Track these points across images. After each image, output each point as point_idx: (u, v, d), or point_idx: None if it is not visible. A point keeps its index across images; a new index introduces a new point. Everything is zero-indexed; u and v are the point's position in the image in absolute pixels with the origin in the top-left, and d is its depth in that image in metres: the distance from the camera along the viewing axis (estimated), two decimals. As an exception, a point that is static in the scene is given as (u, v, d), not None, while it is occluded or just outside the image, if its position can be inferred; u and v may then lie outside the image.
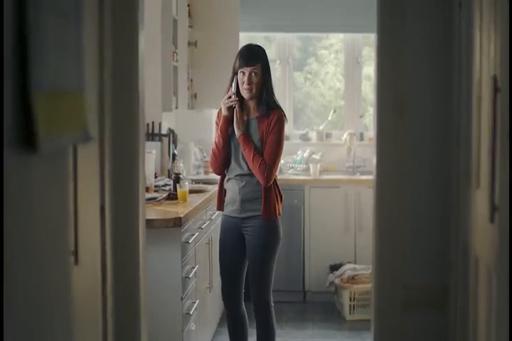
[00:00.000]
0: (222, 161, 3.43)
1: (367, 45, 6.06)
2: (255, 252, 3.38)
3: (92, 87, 1.79)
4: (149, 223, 3.11)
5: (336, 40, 6.17)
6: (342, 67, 6.06)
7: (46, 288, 1.35)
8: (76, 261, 1.73)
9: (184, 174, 4.52)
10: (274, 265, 3.42)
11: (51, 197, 1.42)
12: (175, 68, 4.66)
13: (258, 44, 3.50)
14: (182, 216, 3.21)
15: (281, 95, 5.62)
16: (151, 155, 4.11)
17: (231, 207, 3.44)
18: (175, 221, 3.17)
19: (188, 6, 5.16)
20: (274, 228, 3.38)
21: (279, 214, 3.41)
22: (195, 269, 3.53)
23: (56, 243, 1.50)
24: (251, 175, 3.36)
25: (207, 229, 3.95)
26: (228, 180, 3.45)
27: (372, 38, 6.04)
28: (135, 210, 2.09)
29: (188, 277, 3.34)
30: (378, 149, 2.16)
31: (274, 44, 5.95)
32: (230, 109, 3.38)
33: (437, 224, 2.12)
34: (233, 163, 3.42)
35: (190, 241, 3.37)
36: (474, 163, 1.78)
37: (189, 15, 5.19)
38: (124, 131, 2.07)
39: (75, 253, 1.73)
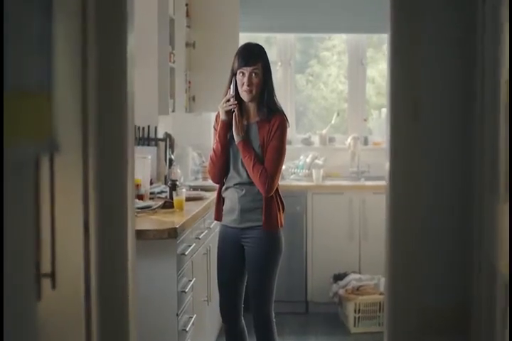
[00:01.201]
0: (221, 169, 3.22)
1: (370, 46, 5.87)
2: (255, 264, 3.18)
3: (67, 89, 1.59)
4: (142, 234, 2.93)
5: (339, 41, 5.99)
6: (345, 69, 5.88)
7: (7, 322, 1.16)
8: (53, 285, 1.52)
9: (181, 180, 4.34)
10: (275, 278, 3.21)
11: (14, 215, 1.22)
12: (172, 70, 4.48)
13: (258, 43, 3.29)
14: (177, 226, 3.01)
15: (283, 98, 5.43)
16: (146, 161, 3.93)
17: (230, 217, 3.24)
18: (170, 232, 2.97)
19: (186, 5, 4.98)
20: (276, 239, 3.18)
21: (281, 225, 3.20)
22: (192, 282, 3.33)
23: (24, 267, 1.31)
24: (251, 183, 3.16)
25: (204, 239, 3.75)
26: (227, 188, 3.25)
27: (375, 38, 5.87)
28: (123, 224, 1.89)
29: (184, 291, 3.15)
30: (391, 157, 1.96)
31: (275, 45, 5.77)
32: (229, 113, 3.18)
33: (458, 240, 1.92)
34: (232, 171, 3.22)
35: (186, 253, 3.18)
36: (502, 174, 1.59)
37: (187, 15, 5.02)
38: (111, 136, 1.88)
39: (52, 275, 1.52)
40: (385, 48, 5.94)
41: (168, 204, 3.59)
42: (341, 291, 4.72)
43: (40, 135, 1.08)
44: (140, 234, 2.92)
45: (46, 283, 1.50)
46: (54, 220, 1.53)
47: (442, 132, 1.96)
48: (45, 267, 1.50)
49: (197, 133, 5.26)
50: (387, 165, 2.09)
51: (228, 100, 3.15)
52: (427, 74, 2.00)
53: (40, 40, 1.09)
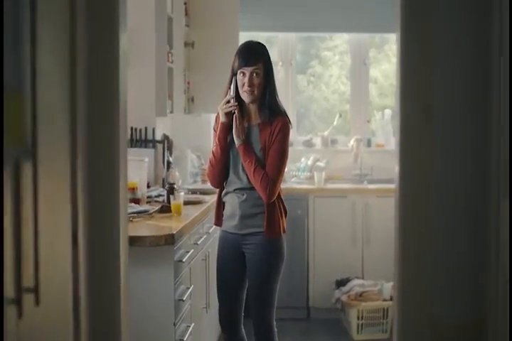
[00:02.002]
0: (220, 173, 3.10)
1: (372, 46, 5.76)
2: (256, 272, 3.06)
3: (53, 90, 1.47)
4: (138, 240, 2.81)
5: (341, 41, 5.88)
6: (347, 69, 5.76)
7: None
8: (36, 301, 1.40)
9: (180, 183, 4.22)
10: (277, 286, 3.09)
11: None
12: (170, 70, 4.36)
13: (259, 41, 3.17)
14: (175, 232, 2.89)
15: (284, 99, 5.28)
16: (143, 164, 3.81)
17: (230, 223, 3.11)
18: (166, 238, 2.85)
19: (185, 4, 4.87)
20: (278, 246, 3.06)
21: (284, 232, 3.08)
22: (190, 290, 3.20)
23: (2, 281, 1.19)
24: (252, 188, 3.03)
25: (203, 245, 3.63)
26: (227, 193, 3.13)
27: (377, 38, 5.76)
28: (115, 233, 1.77)
29: (181, 300, 3.02)
30: (401, 161, 1.84)
31: (276, 45, 5.66)
32: (229, 114, 3.05)
33: (473, 250, 1.80)
34: (232, 176, 3.09)
35: (184, 260, 3.05)
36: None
37: (186, 14, 4.90)
38: (101, 139, 1.76)
39: (35, 290, 1.40)
40: (388, 48, 5.84)
41: (166, 209, 3.47)
42: (344, 297, 4.60)
43: (15, 138, 0.96)
44: (135, 240, 2.81)
45: (28, 298, 1.38)
46: (37, 229, 1.41)
47: (456, 135, 1.84)
48: (28, 281, 1.38)
49: (196, 134, 5.15)
50: (396, 168, 1.96)
51: (228, 101, 3.03)
52: (439, 74, 1.87)
53: (18, 39, 0.98)
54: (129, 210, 3.32)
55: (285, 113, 3.10)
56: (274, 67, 3.11)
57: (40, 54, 1.38)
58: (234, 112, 3.02)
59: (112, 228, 1.78)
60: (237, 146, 3.03)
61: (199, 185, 4.56)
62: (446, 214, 1.87)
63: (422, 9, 1.93)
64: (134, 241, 2.80)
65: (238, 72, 3.01)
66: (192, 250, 3.26)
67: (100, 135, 1.77)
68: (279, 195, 3.07)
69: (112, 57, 1.83)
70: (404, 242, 1.91)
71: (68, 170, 1.66)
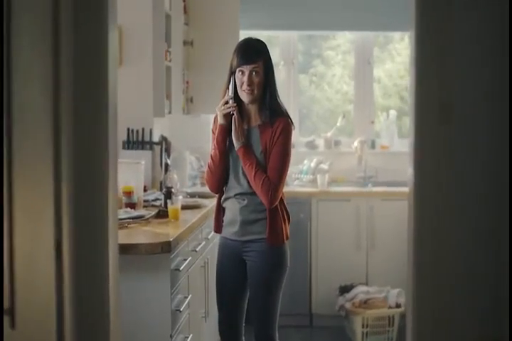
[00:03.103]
0: (220, 178, 2.94)
1: (375, 45, 5.62)
2: (258, 280, 2.90)
3: (33, 91, 1.33)
4: (133, 248, 2.66)
5: (343, 40, 5.73)
6: (350, 69, 5.62)
7: None
8: (12, 324, 1.25)
9: (178, 186, 4.06)
10: (279, 295, 2.93)
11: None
12: (168, 69, 4.22)
13: (258, 38, 3.01)
14: (171, 239, 2.74)
15: (285, 99, 5.15)
16: (139, 166, 3.66)
17: (230, 229, 2.95)
18: (163, 246, 2.69)
19: (184, 1, 4.72)
20: (281, 254, 2.90)
21: (287, 238, 2.92)
22: (187, 299, 3.05)
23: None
24: (253, 193, 2.87)
25: (202, 251, 3.48)
26: (227, 199, 2.97)
27: (381, 37, 5.62)
28: (103, 245, 1.62)
29: (178, 310, 2.87)
30: (417, 164, 1.69)
31: (278, 44, 5.51)
32: (228, 116, 2.89)
33: (494, 260, 1.64)
34: (232, 180, 2.93)
35: (181, 269, 2.90)
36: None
37: (185, 12, 4.76)
38: (89, 142, 1.60)
39: (11, 312, 1.25)
40: (392, 47, 5.69)
41: (163, 214, 3.32)
42: (348, 305, 4.45)
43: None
44: (130, 248, 2.66)
45: (3, 321, 1.23)
46: (13, 242, 1.26)
47: (477, 136, 1.68)
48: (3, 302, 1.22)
49: (195, 136, 5.02)
50: (410, 171, 1.81)
51: (227, 102, 2.87)
52: (458, 70, 1.72)
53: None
54: (124, 215, 3.18)
55: (287, 113, 2.94)
56: (275, 67, 2.95)
57: (16, 48, 1.23)
58: (233, 113, 2.86)
59: (100, 238, 1.63)
60: (236, 149, 2.87)
61: (198, 188, 4.41)
62: (466, 219, 1.72)
63: (439, 2, 1.78)
64: (128, 248, 2.66)
65: (237, 70, 2.86)
66: (190, 257, 3.11)
67: (87, 137, 1.61)
68: (281, 200, 2.91)
69: (100, 51, 1.68)
70: (419, 255, 1.75)
71: (51, 176, 1.51)
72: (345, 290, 4.61)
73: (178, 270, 2.87)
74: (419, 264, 1.75)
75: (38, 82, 1.44)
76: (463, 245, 1.75)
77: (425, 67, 1.75)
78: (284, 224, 2.90)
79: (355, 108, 5.52)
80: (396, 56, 5.71)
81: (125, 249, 2.64)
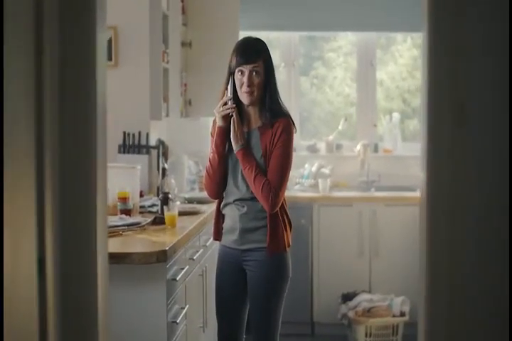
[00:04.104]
0: (218, 183, 2.81)
1: (377, 47, 5.50)
2: (258, 292, 2.77)
3: (13, 92, 1.21)
4: (127, 258, 2.55)
5: (345, 41, 5.62)
6: (352, 71, 5.51)
7: None
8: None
9: (176, 191, 3.94)
10: (281, 307, 2.80)
11: None
12: (165, 70, 4.11)
13: (258, 37, 2.89)
14: (167, 248, 2.61)
15: (286, 102, 5.01)
16: (135, 171, 3.54)
17: (230, 237, 2.83)
18: (158, 255, 2.57)
19: (182, 1, 4.60)
20: (282, 263, 2.77)
21: (288, 246, 2.80)
22: (184, 310, 2.93)
23: None
24: (253, 199, 2.74)
25: (200, 259, 3.35)
26: (226, 205, 2.84)
27: (383, 39, 5.51)
28: (92, 260, 1.49)
29: (175, 322, 2.75)
30: (429, 168, 1.57)
31: (278, 46, 5.40)
32: (226, 118, 2.77)
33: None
34: (231, 185, 2.80)
35: (178, 278, 2.78)
36: None
37: (183, 13, 4.65)
38: (75, 147, 1.48)
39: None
40: (394, 49, 5.58)
41: (159, 220, 3.20)
42: (351, 313, 4.32)
43: None
44: (124, 257, 2.55)
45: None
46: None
47: (492, 139, 1.57)
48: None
49: (193, 139, 4.91)
50: (423, 176, 1.69)
51: (225, 103, 2.75)
52: (474, 72, 1.60)
53: None
54: (120, 222, 3.06)
55: (288, 114, 2.81)
56: (275, 69, 2.83)
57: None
58: (232, 115, 2.74)
59: (88, 254, 1.50)
60: (235, 152, 2.75)
61: (196, 193, 4.29)
62: (483, 230, 1.59)
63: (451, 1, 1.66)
64: (122, 258, 2.54)
65: (236, 70, 2.73)
66: (187, 266, 2.99)
67: (73, 142, 1.49)
68: (282, 206, 2.78)
69: (88, 52, 1.56)
70: (433, 263, 1.62)
71: (33, 185, 1.38)
72: (347, 297, 4.50)
73: (175, 280, 2.75)
74: (433, 277, 1.62)
75: (18, 81, 1.32)
76: (480, 257, 1.62)
77: (438, 67, 1.63)
78: (286, 231, 2.77)
79: (358, 111, 5.40)
80: (398, 58, 5.60)
81: (118, 258, 2.53)
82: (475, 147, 1.62)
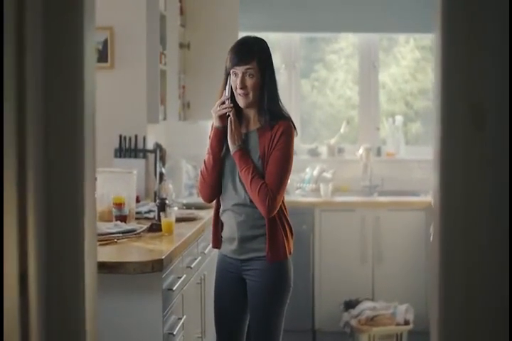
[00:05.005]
0: (213, 187, 2.69)
1: (379, 49, 5.40)
2: (258, 303, 2.66)
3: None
4: (121, 267, 2.44)
5: (346, 43, 5.52)
6: (353, 73, 5.41)
7: None
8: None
9: (173, 197, 3.84)
10: (282, 318, 2.69)
11: None
12: (163, 72, 4.02)
13: (257, 36, 2.78)
14: (163, 257, 2.50)
15: (286, 105, 4.90)
16: (131, 176, 3.43)
17: (229, 246, 2.71)
18: (154, 264, 2.46)
19: (180, 1, 4.50)
20: (282, 272, 2.66)
21: (290, 253, 2.68)
22: (182, 321, 2.82)
23: None
24: (251, 205, 2.63)
25: (198, 267, 3.24)
26: (224, 211, 2.72)
27: (384, 41, 5.41)
28: (79, 274, 1.38)
29: (172, 333, 2.64)
30: (444, 173, 1.47)
31: (279, 48, 5.30)
32: (224, 118, 2.65)
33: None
34: (230, 190, 2.68)
35: (174, 288, 2.67)
36: None
37: (181, 13, 4.55)
38: (59, 152, 1.37)
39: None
40: (396, 51, 5.48)
41: (156, 227, 3.08)
42: (353, 321, 4.22)
43: None
44: (118, 267, 2.44)
45: None
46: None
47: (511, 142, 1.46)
48: None
49: (192, 143, 4.81)
50: (436, 181, 1.58)
51: (223, 102, 2.63)
52: (492, 73, 1.50)
53: None
54: (114, 229, 2.95)
55: (289, 117, 2.70)
56: (276, 70, 2.72)
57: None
58: (229, 115, 2.62)
59: (74, 267, 1.39)
60: (232, 153, 2.63)
61: (195, 199, 4.18)
62: (502, 241, 1.49)
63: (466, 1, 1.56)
64: (116, 267, 2.44)
65: (231, 71, 2.63)
66: (184, 275, 2.88)
67: (58, 145, 1.38)
68: (282, 212, 2.66)
69: (75, 52, 1.46)
70: (447, 274, 1.52)
71: (14, 192, 1.28)
72: (350, 305, 4.39)
73: (171, 290, 2.64)
74: (447, 291, 1.51)
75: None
76: (498, 269, 1.52)
77: (454, 70, 1.52)
78: (286, 237, 2.65)
79: (360, 114, 5.30)
80: (401, 60, 5.50)
81: (112, 268, 2.42)
82: (495, 151, 1.52)
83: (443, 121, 1.53)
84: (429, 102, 5.43)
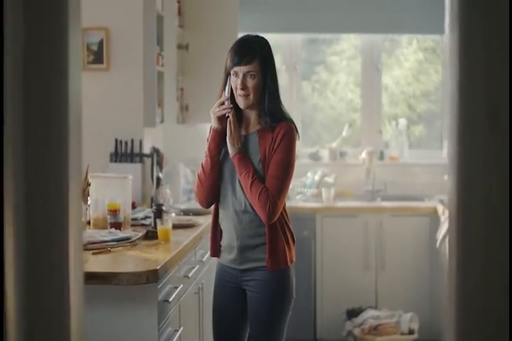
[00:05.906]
0: (209, 190, 2.56)
1: (381, 51, 5.29)
2: (258, 315, 2.54)
3: None
4: (114, 278, 2.33)
5: (348, 45, 5.41)
6: (355, 75, 5.30)
7: None
8: None
9: (171, 202, 3.73)
10: (283, 331, 2.57)
11: None
12: (160, 74, 3.91)
13: (258, 35, 2.67)
14: (159, 268, 2.38)
15: (287, 107, 4.82)
16: (126, 181, 3.31)
17: (228, 256, 2.58)
18: (149, 275, 2.34)
19: (178, 2, 4.40)
20: (284, 281, 2.53)
21: (291, 262, 2.56)
22: (179, 332, 2.70)
23: None
24: (251, 211, 2.50)
25: (195, 276, 3.12)
26: (223, 218, 2.60)
27: (387, 42, 5.31)
28: (64, 288, 1.27)
29: (168, 346, 2.52)
30: (459, 177, 1.36)
31: (279, 49, 5.19)
32: (223, 119, 2.54)
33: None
34: (228, 195, 2.56)
35: (171, 300, 2.55)
36: None
37: (179, 14, 4.44)
38: (43, 156, 1.27)
39: None
40: (399, 53, 5.38)
41: (152, 235, 2.97)
42: (356, 331, 4.11)
43: None
44: (111, 277, 2.33)
45: None
46: None
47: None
48: None
49: (190, 147, 4.73)
50: (452, 184, 1.48)
51: (222, 103, 2.52)
52: (506, 76, 1.40)
53: None
54: (108, 237, 2.83)
55: (291, 119, 2.58)
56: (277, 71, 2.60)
57: None
58: (228, 116, 2.51)
59: (60, 277, 1.28)
60: (231, 156, 2.51)
61: (193, 204, 4.06)
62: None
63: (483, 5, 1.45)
64: (109, 278, 2.32)
65: (231, 72, 2.51)
66: (181, 285, 2.76)
67: (40, 148, 1.28)
68: (284, 218, 2.54)
69: (60, 52, 1.35)
70: (464, 285, 1.40)
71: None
72: (352, 314, 4.29)
73: (167, 301, 2.52)
74: (464, 303, 1.39)
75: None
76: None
77: (468, 74, 1.41)
78: (287, 245, 2.52)
79: (362, 116, 5.20)
80: (404, 61, 5.39)
81: (105, 278, 2.31)
82: (509, 153, 1.42)
83: (459, 123, 1.42)
84: (432, 105, 5.32)
